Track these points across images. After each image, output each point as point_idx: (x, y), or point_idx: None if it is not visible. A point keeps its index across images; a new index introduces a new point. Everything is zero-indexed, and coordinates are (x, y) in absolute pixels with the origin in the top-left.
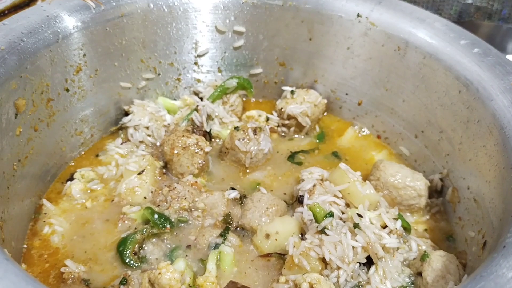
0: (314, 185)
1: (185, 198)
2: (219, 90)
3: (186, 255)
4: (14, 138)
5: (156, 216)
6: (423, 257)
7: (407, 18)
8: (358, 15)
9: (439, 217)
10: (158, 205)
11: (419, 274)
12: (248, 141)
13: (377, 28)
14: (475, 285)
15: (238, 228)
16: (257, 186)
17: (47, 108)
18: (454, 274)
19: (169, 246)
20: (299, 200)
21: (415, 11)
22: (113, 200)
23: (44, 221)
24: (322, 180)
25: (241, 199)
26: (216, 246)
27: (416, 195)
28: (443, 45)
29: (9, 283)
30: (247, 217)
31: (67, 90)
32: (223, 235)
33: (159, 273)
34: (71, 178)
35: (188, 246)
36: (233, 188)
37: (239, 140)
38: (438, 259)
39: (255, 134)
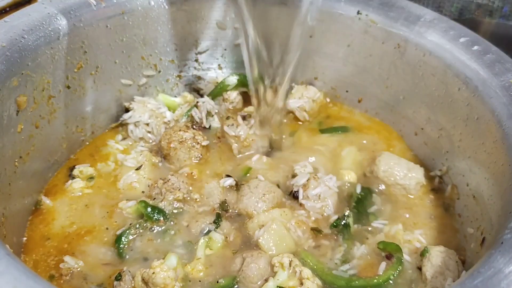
0: (308, 180)
1: (179, 189)
2: (219, 87)
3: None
4: (15, 135)
5: (149, 209)
6: (423, 252)
7: (407, 15)
8: (358, 12)
9: None
10: (154, 198)
11: (419, 269)
12: (236, 126)
13: (377, 25)
14: (473, 281)
15: (233, 214)
16: (248, 175)
17: (48, 105)
18: (453, 270)
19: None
20: (294, 196)
21: (415, 9)
22: (111, 196)
23: (43, 216)
24: (315, 173)
25: (237, 186)
26: (207, 232)
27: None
28: (443, 43)
29: (11, 278)
30: (243, 202)
31: (68, 87)
32: (216, 222)
33: (153, 273)
34: (71, 175)
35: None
36: (228, 176)
37: (227, 126)
38: (437, 255)
39: (244, 120)
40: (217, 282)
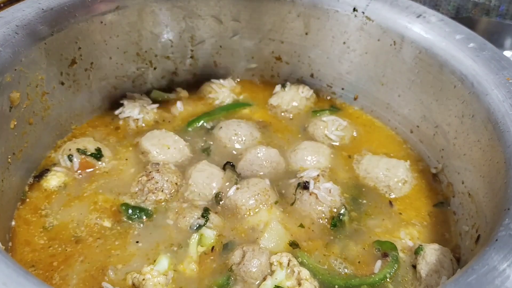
0: (318, 175)
1: (162, 190)
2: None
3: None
4: (8, 131)
5: (130, 211)
6: (418, 250)
7: (403, 13)
8: (354, 9)
9: None
10: (138, 196)
11: (413, 267)
12: None
13: (373, 22)
14: (467, 278)
15: (222, 207)
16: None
17: (42, 101)
18: (448, 268)
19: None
20: (305, 186)
21: (411, 6)
22: (96, 191)
23: (29, 207)
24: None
25: (238, 178)
26: (198, 227)
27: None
28: (439, 40)
29: (1, 274)
30: (237, 194)
31: (62, 83)
32: (204, 215)
33: (143, 279)
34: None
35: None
36: (231, 164)
37: None
38: (432, 253)
39: None
40: (213, 279)
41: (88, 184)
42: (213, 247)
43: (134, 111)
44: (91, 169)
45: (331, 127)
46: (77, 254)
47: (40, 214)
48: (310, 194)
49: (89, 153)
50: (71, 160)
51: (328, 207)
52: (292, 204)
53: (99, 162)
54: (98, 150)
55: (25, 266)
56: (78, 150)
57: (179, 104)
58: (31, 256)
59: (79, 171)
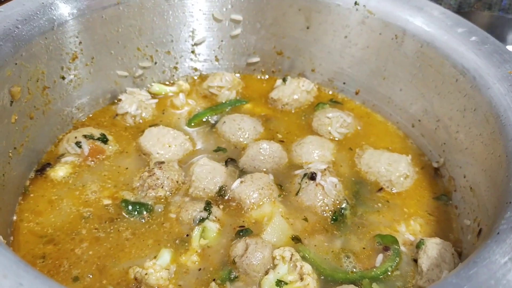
0: (325, 169)
1: (162, 187)
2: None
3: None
4: (9, 126)
5: (130, 207)
6: (419, 244)
7: (405, 6)
8: (355, 3)
9: None
10: (139, 191)
11: (415, 261)
12: None
13: (374, 16)
14: (468, 271)
15: (225, 200)
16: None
17: (43, 96)
18: (449, 262)
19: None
20: (311, 177)
21: (413, 0)
22: (97, 187)
23: (30, 204)
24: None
25: (240, 173)
26: (201, 220)
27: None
28: (441, 33)
29: (1, 267)
30: (241, 187)
31: (63, 78)
32: (207, 209)
33: (146, 274)
34: (43, 171)
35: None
36: (232, 159)
37: None
38: (433, 247)
39: None
40: (215, 272)
41: (91, 177)
42: (241, 227)
43: (131, 107)
44: (100, 155)
45: (335, 124)
46: (79, 249)
47: (42, 207)
48: (316, 185)
49: (96, 137)
50: (80, 147)
51: (332, 200)
52: (297, 193)
53: (106, 145)
54: (103, 135)
55: (32, 259)
56: (84, 136)
57: (181, 96)
58: (33, 249)
59: (89, 158)
